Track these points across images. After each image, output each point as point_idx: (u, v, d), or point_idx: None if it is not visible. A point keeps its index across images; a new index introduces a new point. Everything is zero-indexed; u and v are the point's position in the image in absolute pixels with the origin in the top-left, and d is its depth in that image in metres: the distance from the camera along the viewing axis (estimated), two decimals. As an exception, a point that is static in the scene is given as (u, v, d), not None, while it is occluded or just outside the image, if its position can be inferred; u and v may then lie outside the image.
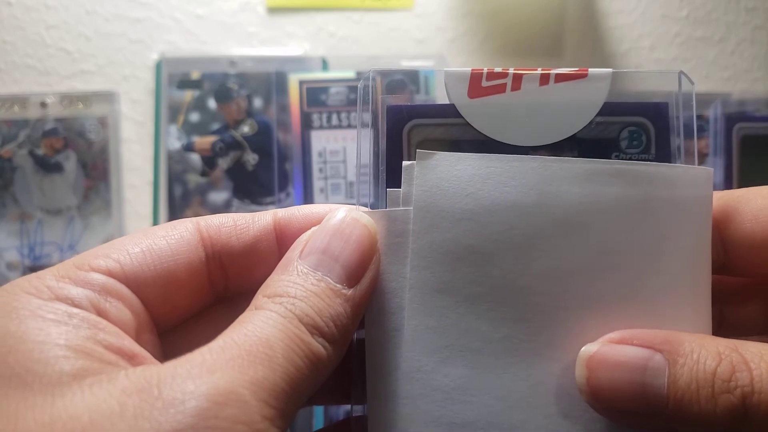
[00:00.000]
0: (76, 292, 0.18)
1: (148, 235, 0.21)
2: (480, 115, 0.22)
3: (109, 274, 0.19)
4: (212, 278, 0.22)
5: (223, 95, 0.55)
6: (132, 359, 0.18)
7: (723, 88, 0.61)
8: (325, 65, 0.56)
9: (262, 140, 0.55)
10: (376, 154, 0.22)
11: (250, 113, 0.55)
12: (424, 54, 0.58)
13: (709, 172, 0.21)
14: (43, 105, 0.54)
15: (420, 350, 0.20)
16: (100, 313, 0.19)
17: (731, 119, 0.56)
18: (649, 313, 0.20)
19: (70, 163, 0.54)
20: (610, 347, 0.19)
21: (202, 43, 0.56)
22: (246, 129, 0.55)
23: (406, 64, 0.56)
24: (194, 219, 0.22)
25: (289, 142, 0.55)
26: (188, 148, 0.55)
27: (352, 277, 0.20)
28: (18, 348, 0.17)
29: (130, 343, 0.19)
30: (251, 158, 0.55)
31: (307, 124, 0.54)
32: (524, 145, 0.22)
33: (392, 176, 0.22)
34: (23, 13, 0.55)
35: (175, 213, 0.54)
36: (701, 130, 0.57)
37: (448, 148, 0.22)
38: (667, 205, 0.20)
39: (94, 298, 0.19)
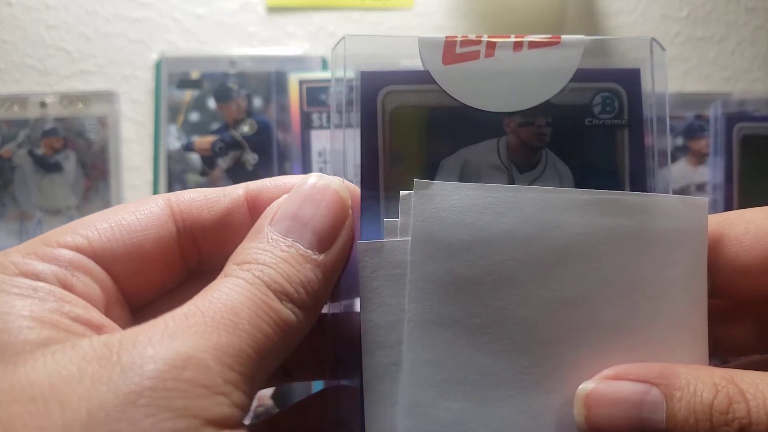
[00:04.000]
0: (42, 267, 0.18)
1: (117, 212, 0.21)
2: (454, 81, 0.22)
3: (77, 249, 0.19)
4: (184, 253, 0.21)
5: (222, 95, 0.55)
6: (100, 330, 0.18)
7: (723, 88, 0.61)
8: (325, 65, 0.56)
9: (261, 140, 0.55)
10: (350, 121, 0.22)
11: (249, 113, 0.55)
12: (424, 54, 0.58)
13: (704, 202, 0.21)
14: (43, 105, 0.54)
15: (419, 384, 0.20)
16: (67, 287, 0.18)
17: (731, 119, 0.56)
18: (646, 343, 0.20)
19: (69, 162, 0.54)
20: (607, 384, 0.19)
21: (202, 43, 0.56)
22: (246, 129, 0.55)
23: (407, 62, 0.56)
24: (165, 195, 0.22)
25: (289, 141, 0.54)
26: (188, 147, 0.55)
27: (323, 243, 0.20)
28: None
29: (98, 316, 0.18)
30: (251, 158, 0.55)
31: (306, 123, 0.54)
32: (498, 111, 0.22)
33: (367, 141, 0.21)
34: (23, 13, 0.55)
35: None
36: (701, 129, 0.57)
37: (423, 113, 0.21)
38: (663, 236, 0.21)
39: (60, 272, 0.19)
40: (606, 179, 0.22)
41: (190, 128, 0.55)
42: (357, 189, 0.22)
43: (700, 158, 0.57)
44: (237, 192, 0.22)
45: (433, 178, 0.21)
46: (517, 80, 0.22)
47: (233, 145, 0.55)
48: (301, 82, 0.54)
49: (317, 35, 0.58)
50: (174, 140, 0.55)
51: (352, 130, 0.22)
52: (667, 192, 0.22)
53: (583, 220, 0.20)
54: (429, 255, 0.20)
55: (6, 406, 0.15)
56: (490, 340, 0.20)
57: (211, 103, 0.55)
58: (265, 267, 0.19)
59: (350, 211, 0.21)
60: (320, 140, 0.54)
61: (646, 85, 0.22)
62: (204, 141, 0.55)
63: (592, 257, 0.20)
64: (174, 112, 0.55)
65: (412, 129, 0.22)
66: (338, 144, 0.22)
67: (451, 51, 0.22)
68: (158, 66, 0.55)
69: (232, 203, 0.22)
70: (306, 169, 0.54)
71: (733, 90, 0.61)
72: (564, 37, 0.22)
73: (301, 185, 0.21)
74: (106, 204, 0.54)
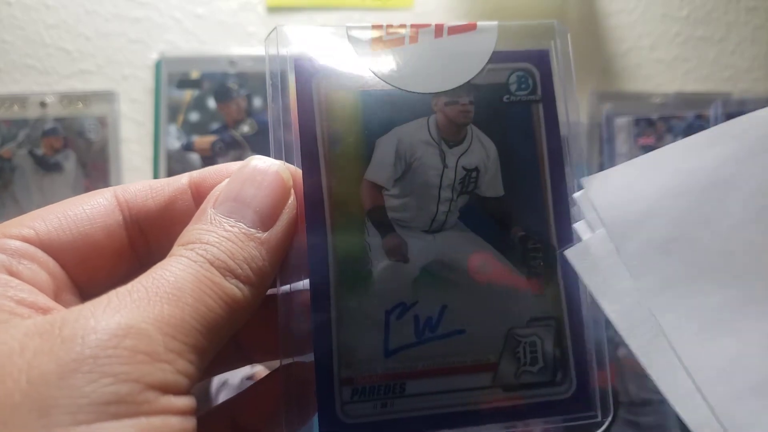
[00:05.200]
0: None
1: (64, 204, 0.21)
2: (382, 65, 0.23)
3: (23, 239, 0.20)
4: (132, 241, 0.22)
5: (222, 95, 0.55)
6: (46, 312, 0.18)
7: (723, 88, 0.61)
8: (324, 65, 0.56)
9: (261, 140, 0.55)
10: (286, 106, 0.23)
11: (249, 113, 0.55)
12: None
13: None
14: (43, 105, 0.54)
15: (689, 343, 0.22)
16: (13, 274, 0.19)
17: (731, 119, 0.56)
18: None
19: (69, 162, 0.54)
20: None
21: (202, 43, 0.56)
22: (246, 129, 0.55)
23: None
24: (111, 188, 0.22)
25: (289, 141, 0.54)
26: (188, 147, 0.55)
27: (265, 221, 0.20)
28: None
29: (44, 299, 0.19)
30: (251, 158, 0.55)
31: (306, 123, 0.54)
32: (425, 92, 0.23)
33: (304, 125, 0.23)
34: (23, 13, 0.55)
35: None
36: (702, 129, 0.57)
37: (356, 96, 0.23)
38: None
39: (6, 260, 0.19)
40: (525, 150, 0.24)
41: (189, 128, 0.55)
42: (299, 171, 0.22)
43: (700, 158, 0.57)
44: (180, 181, 0.23)
45: (370, 157, 0.23)
46: (441, 63, 0.23)
47: (233, 144, 0.55)
48: (301, 82, 0.54)
49: (317, 35, 0.58)
50: (174, 140, 0.54)
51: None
52: (580, 163, 0.24)
53: (723, 150, 0.24)
54: (625, 235, 0.22)
55: None
56: (715, 277, 0.22)
57: (211, 103, 0.55)
58: (208, 246, 0.19)
59: (292, 191, 0.22)
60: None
61: (555, 64, 0.24)
62: (204, 141, 0.55)
63: (740, 182, 0.23)
64: (174, 111, 0.55)
65: (347, 111, 0.23)
66: (278, 129, 0.23)
67: (379, 39, 0.23)
68: (158, 66, 0.55)
69: (176, 191, 0.22)
70: (306, 169, 0.54)
71: (733, 90, 0.61)
72: (479, 23, 0.24)
73: (242, 168, 0.21)
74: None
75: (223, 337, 0.19)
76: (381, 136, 0.23)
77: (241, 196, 0.21)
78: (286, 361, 0.21)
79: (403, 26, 0.23)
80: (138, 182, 0.22)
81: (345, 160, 0.23)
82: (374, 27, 0.23)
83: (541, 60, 0.24)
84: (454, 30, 0.24)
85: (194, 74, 0.55)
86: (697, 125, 0.57)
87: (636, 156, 0.26)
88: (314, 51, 0.23)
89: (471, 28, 0.24)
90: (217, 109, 0.55)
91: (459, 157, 0.23)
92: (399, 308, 0.22)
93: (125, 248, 0.22)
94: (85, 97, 0.55)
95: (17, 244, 0.19)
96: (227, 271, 0.19)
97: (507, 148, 0.23)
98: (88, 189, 0.54)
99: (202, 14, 0.57)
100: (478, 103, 0.23)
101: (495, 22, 0.24)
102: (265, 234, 0.20)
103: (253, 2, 0.57)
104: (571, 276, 0.23)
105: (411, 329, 0.22)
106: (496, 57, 0.24)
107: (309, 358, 0.22)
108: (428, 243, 0.23)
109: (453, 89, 0.23)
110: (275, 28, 0.23)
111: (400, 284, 0.22)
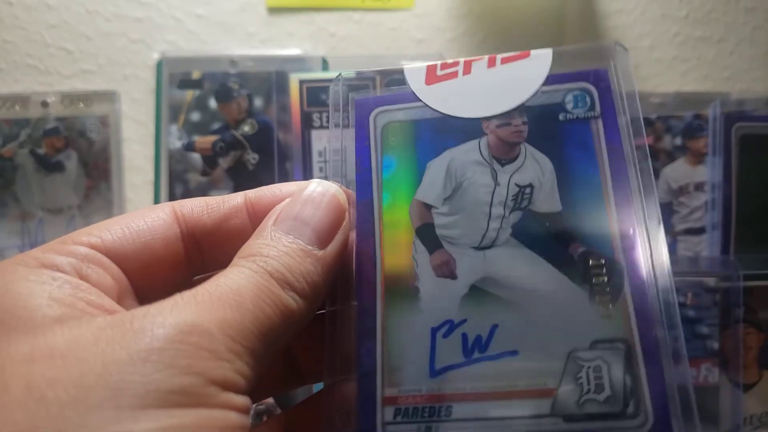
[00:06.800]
0: (60, 260, 0.20)
1: (126, 217, 0.23)
2: (436, 96, 0.24)
3: (91, 246, 0.21)
4: (188, 253, 0.23)
5: (223, 95, 0.55)
6: (112, 314, 0.19)
7: (722, 88, 0.61)
8: (325, 65, 0.56)
9: (262, 140, 0.55)
10: (346, 139, 0.25)
11: (250, 113, 0.55)
12: (424, 54, 0.58)
13: None
14: (44, 104, 0.54)
15: None
16: (82, 277, 0.20)
17: (730, 119, 0.56)
18: None
19: (71, 162, 0.54)
20: None
21: (203, 43, 0.57)
22: (246, 128, 0.55)
23: (407, 63, 0.57)
24: (170, 203, 0.23)
25: (290, 141, 0.55)
26: (189, 147, 0.55)
27: (322, 240, 0.22)
28: (5, 300, 0.18)
29: (110, 303, 0.20)
30: (252, 158, 0.55)
31: (307, 123, 0.54)
32: (477, 116, 0.24)
33: (361, 154, 0.24)
34: (24, 13, 0.55)
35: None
36: (700, 129, 0.57)
37: (410, 126, 0.24)
38: None
39: (76, 264, 0.20)
40: (585, 166, 0.23)
41: (191, 128, 0.55)
42: (353, 194, 0.24)
43: (698, 158, 0.57)
44: (236, 199, 0.24)
45: (420, 179, 0.24)
46: (493, 89, 0.24)
47: (234, 144, 0.55)
48: (301, 82, 0.55)
49: (317, 35, 0.58)
50: (175, 140, 0.55)
51: (350, 138, 0.25)
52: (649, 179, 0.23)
53: None
54: None
55: (26, 364, 0.16)
56: None
57: (212, 103, 0.55)
58: (268, 258, 0.20)
59: (347, 213, 0.23)
60: (321, 140, 0.54)
61: (615, 82, 0.24)
62: (205, 141, 0.55)
63: None
64: (175, 111, 0.55)
65: (400, 140, 0.24)
66: (337, 156, 0.25)
67: (433, 74, 0.25)
68: (159, 66, 0.56)
69: (231, 209, 0.24)
70: (306, 168, 0.54)
71: (732, 90, 0.61)
72: (533, 51, 0.24)
73: (302, 190, 0.23)
74: (108, 203, 0.55)
75: (276, 346, 0.20)
76: (432, 159, 0.24)
77: (301, 215, 0.22)
78: (331, 378, 0.22)
79: (456, 63, 0.25)
80: (195, 199, 0.24)
81: (397, 183, 0.24)
82: (429, 66, 0.25)
83: (599, 78, 0.24)
84: (507, 59, 0.24)
85: (195, 74, 0.55)
86: (695, 125, 0.57)
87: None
88: (372, 90, 0.25)
89: (524, 56, 0.24)
90: (218, 109, 0.55)
91: (512, 175, 0.24)
92: (446, 326, 0.22)
93: (181, 259, 0.23)
94: (87, 97, 0.55)
95: (86, 250, 0.21)
96: (285, 284, 0.20)
97: (564, 164, 0.23)
98: (89, 189, 0.54)
99: (203, 14, 0.57)
100: (532, 123, 0.24)
101: (550, 49, 0.24)
102: (321, 251, 0.21)
103: (254, 2, 0.57)
104: (640, 294, 0.21)
105: (459, 348, 0.21)
106: (551, 80, 0.24)
107: (352, 375, 0.21)
108: (478, 259, 0.22)
109: (505, 112, 0.24)
110: (339, 74, 0.25)
111: (447, 301, 0.22)
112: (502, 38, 0.60)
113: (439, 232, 0.23)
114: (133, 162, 0.56)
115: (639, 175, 0.22)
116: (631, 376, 0.20)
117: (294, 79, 0.55)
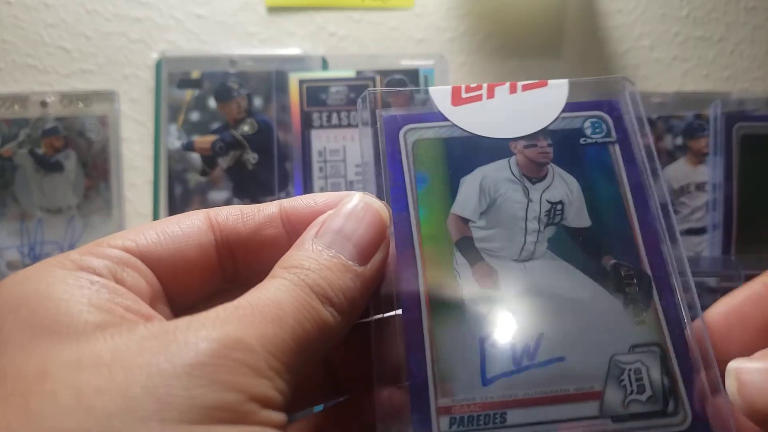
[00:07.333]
0: (97, 262, 0.20)
1: (161, 222, 0.23)
2: (463, 117, 0.26)
3: (126, 250, 0.21)
4: (222, 261, 0.23)
5: (223, 94, 0.55)
6: (148, 320, 0.19)
7: (722, 88, 0.61)
8: (325, 64, 0.56)
9: (262, 139, 0.55)
10: (377, 154, 0.25)
11: (250, 112, 0.55)
12: (424, 54, 0.58)
13: None
14: (43, 104, 0.54)
15: None
16: (118, 281, 0.20)
17: (731, 118, 0.56)
18: None
19: (70, 162, 0.54)
20: None
21: (202, 43, 0.56)
22: (246, 128, 0.55)
23: (407, 63, 0.56)
24: (204, 210, 0.23)
25: (289, 141, 0.55)
26: (188, 147, 0.55)
27: (363, 256, 0.22)
28: (46, 304, 0.18)
29: (146, 308, 0.20)
30: (251, 157, 0.55)
31: (307, 123, 0.54)
32: (504, 137, 0.25)
33: (393, 169, 0.25)
34: (23, 13, 0.55)
35: (175, 212, 0.54)
36: (701, 129, 0.57)
37: (440, 143, 0.26)
38: None
39: (112, 267, 0.20)
40: (608, 185, 0.25)
41: (190, 128, 0.55)
42: (388, 207, 0.24)
43: (699, 158, 0.57)
44: (271, 209, 0.24)
45: (455, 195, 0.25)
46: (517, 113, 0.26)
47: (233, 144, 0.55)
48: (301, 82, 0.54)
49: (317, 35, 0.58)
50: (174, 140, 0.55)
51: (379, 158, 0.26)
52: (664, 198, 0.25)
53: None
54: None
55: (74, 373, 0.17)
56: None
57: (212, 103, 0.55)
58: (309, 271, 0.20)
59: (389, 230, 0.23)
60: (320, 140, 0.54)
61: (626, 110, 0.26)
62: (204, 140, 0.55)
63: None
64: (174, 111, 0.55)
65: (431, 156, 0.25)
66: (370, 169, 0.25)
67: (458, 96, 0.26)
68: (158, 65, 0.55)
69: (266, 218, 0.24)
70: (306, 168, 0.54)
71: (733, 90, 0.61)
72: (550, 81, 0.27)
73: (345, 203, 0.23)
74: (107, 203, 0.54)
75: (311, 361, 0.20)
76: (465, 175, 0.25)
77: (344, 229, 0.22)
78: (381, 389, 0.22)
79: (479, 87, 0.26)
80: (230, 206, 0.24)
81: (431, 197, 0.25)
82: (454, 88, 0.26)
83: (612, 108, 0.26)
84: (527, 87, 0.26)
85: (195, 74, 0.55)
86: (696, 125, 0.57)
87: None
88: (401, 108, 0.26)
89: (543, 84, 0.26)
90: (217, 108, 0.55)
91: (542, 192, 0.25)
92: (494, 336, 0.22)
93: (215, 267, 0.23)
94: (86, 97, 0.55)
95: (121, 253, 0.21)
96: (325, 298, 0.20)
97: (589, 184, 0.25)
98: (88, 188, 0.54)
99: (203, 14, 0.57)
100: (557, 145, 0.25)
101: (566, 80, 0.27)
102: (362, 268, 0.21)
103: (253, 2, 0.57)
104: (668, 301, 0.23)
105: (508, 357, 0.22)
106: (569, 107, 0.26)
107: (403, 385, 0.22)
108: (519, 271, 0.23)
109: (531, 134, 0.26)
110: (366, 91, 0.26)
111: (493, 312, 0.22)
112: (502, 38, 0.60)
113: (478, 245, 0.24)
114: (133, 162, 0.56)
115: (655, 193, 0.25)
116: (668, 376, 0.22)
117: (294, 79, 0.55)
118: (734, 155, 0.55)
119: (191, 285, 0.23)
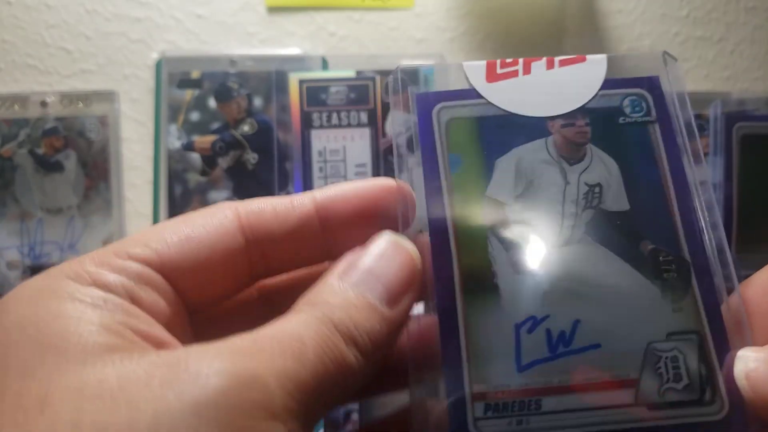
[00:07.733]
0: (113, 278, 0.19)
1: (186, 222, 0.21)
2: (499, 94, 0.25)
3: (146, 262, 0.20)
4: (252, 264, 0.22)
5: (223, 94, 0.55)
6: (160, 346, 0.19)
7: (723, 88, 0.61)
8: (325, 64, 0.56)
9: (262, 139, 0.55)
10: (409, 136, 0.25)
11: (250, 112, 0.55)
12: (424, 53, 0.58)
13: None
14: (44, 104, 0.54)
15: None
16: (134, 300, 0.19)
17: (731, 118, 0.56)
18: None
19: (70, 162, 0.54)
20: None
21: (203, 43, 0.57)
22: (246, 128, 0.55)
23: (407, 63, 0.56)
24: (233, 205, 0.22)
25: (289, 141, 0.55)
26: (188, 147, 0.55)
27: (392, 299, 0.21)
28: (55, 322, 0.17)
29: (160, 332, 0.19)
30: (251, 157, 0.55)
31: (307, 123, 0.54)
32: (541, 115, 0.24)
33: (426, 149, 0.24)
34: (23, 13, 0.55)
35: (175, 212, 0.54)
36: (701, 129, 0.57)
37: (474, 122, 0.25)
38: None
39: (129, 285, 0.19)
40: (647, 167, 0.24)
41: (190, 128, 0.55)
42: (413, 191, 0.23)
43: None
44: (305, 204, 0.22)
45: (490, 177, 0.24)
46: (554, 90, 0.25)
47: (233, 144, 0.55)
48: (301, 82, 0.54)
49: (317, 35, 0.58)
50: (174, 140, 0.55)
51: (414, 150, 0.25)
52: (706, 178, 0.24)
53: None
54: None
55: (76, 402, 0.16)
56: None
57: (212, 103, 0.55)
58: (335, 308, 0.19)
59: (419, 275, 0.22)
60: (320, 140, 0.54)
61: (667, 88, 0.25)
62: (204, 140, 0.55)
63: None
64: (174, 111, 0.55)
65: (465, 136, 0.24)
66: (403, 152, 0.24)
67: (493, 71, 0.25)
68: (158, 65, 0.56)
69: (302, 217, 0.22)
70: (306, 168, 0.54)
71: (733, 89, 0.61)
72: (589, 56, 0.26)
73: (376, 242, 0.22)
74: (107, 203, 0.55)
75: (329, 404, 0.19)
76: (500, 156, 0.24)
77: (374, 269, 0.21)
78: (415, 377, 0.21)
79: (515, 62, 0.25)
80: (259, 200, 0.22)
81: (465, 180, 0.24)
82: (489, 62, 0.25)
83: (652, 85, 0.25)
84: (565, 62, 0.26)
85: (195, 74, 0.55)
86: (696, 124, 0.57)
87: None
88: (434, 85, 0.25)
89: (581, 59, 0.26)
90: (217, 108, 0.55)
91: (580, 174, 0.24)
92: (529, 322, 0.22)
93: (244, 275, 0.22)
94: (86, 97, 0.55)
95: (139, 267, 0.20)
96: (349, 338, 0.19)
97: (628, 165, 0.24)
98: (88, 188, 0.54)
99: (203, 14, 0.57)
100: (595, 124, 0.24)
101: (604, 55, 0.26)
102: (389, 311, 0.20)
103: (253, 2, 0.57)
104: (707, 288, 0.22)
105: (543, 343, 0.21)
106: (608, 84, 0.25)
107: (440, 375, 0.21)
108: (555, 256, 0.23)
109: (568, 112, 0.24)
110: (398, 67, 0.25)
111: (529, 297, 0.22)
112: (502, 38, 0.60)
113: (513, 229, 0.23)
114: (133, 162, 0.56)
115: (696, 176, 0.24)
116: (705, 365, 0.21)
117: (294, 79, 0.55)
118: (734, 155, 0.55)
119: (216, 294, 0.22)
